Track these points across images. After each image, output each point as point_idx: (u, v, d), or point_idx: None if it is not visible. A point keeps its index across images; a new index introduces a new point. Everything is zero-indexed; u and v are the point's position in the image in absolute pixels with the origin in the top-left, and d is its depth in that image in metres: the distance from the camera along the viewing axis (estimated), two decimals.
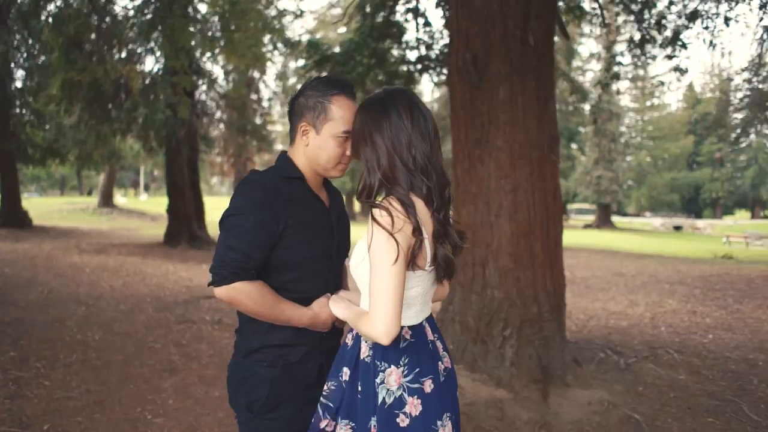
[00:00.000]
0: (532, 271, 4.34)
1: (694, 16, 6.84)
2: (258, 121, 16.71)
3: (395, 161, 1.78)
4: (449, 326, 4.60)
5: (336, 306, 1.94)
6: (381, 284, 1.65)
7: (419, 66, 7.79)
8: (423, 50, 7.71)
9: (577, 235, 30.54)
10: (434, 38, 7.68)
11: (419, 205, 1.77)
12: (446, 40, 8.40)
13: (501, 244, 4.31)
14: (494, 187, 4.28)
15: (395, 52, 7.92)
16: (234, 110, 16.01)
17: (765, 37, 9.90)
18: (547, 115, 4.34)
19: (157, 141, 13.98)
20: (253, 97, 16.40)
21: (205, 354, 5.51)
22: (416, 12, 7.37)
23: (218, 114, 16.73)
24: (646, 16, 7.08)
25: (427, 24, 7.33)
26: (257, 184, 1.85)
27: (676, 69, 6.95)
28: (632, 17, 6.79)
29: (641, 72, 40.89)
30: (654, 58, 7.82)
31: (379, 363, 1.78)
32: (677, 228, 43.61)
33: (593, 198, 40.37)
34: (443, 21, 7.29)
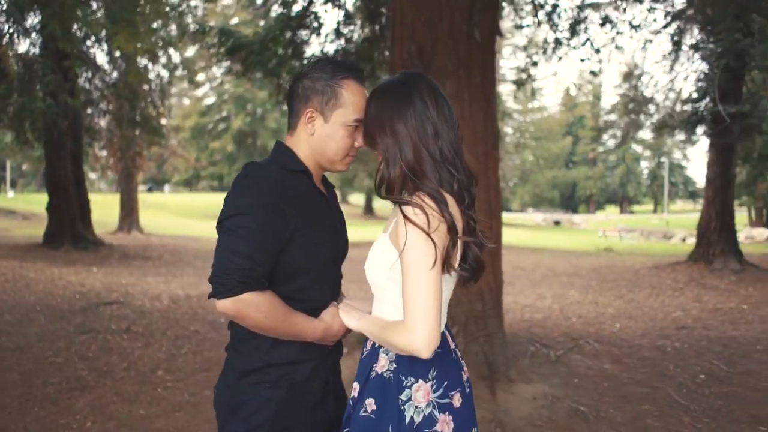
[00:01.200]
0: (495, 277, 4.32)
1: (576, 27, 7.20)
2: (151, 112, 15.64)
3: (421, 152, 1.60)
4: None
5: (348, 316, 1.73)
6: (420, 290, 1.47)
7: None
8: (342, 43, 7.51)
9: None
10: (353, 31, 7.51)
11: (450, 201, 1.60)
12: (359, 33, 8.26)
13: None
14: None
15: (313, 43, 7.65)
16: (122, 100, 14.87)
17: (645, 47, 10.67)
18: (490, 111, 4.32)
19: (34, 132, 12.63)
20: (145, 87, 15.31)
21: (119, 367, 4.98)
22: (336, 3, 7.15)
23: (104, 104, 15.47)
24: (556, 19, 7.35)
25: (348, 17, 7.14)
26: (262, 179, 1.60)
27: (591, 72, 7.27)
28: (545, 18, 7.02)
29: (524, 75, 43.03)
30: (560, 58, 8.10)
31: (404, 378, 1.60)
32: (557, 223, 46.57)
33: None
34: (365, 13, 7.12)
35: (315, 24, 7.30)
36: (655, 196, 60.85)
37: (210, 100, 39.82)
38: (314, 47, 7.70)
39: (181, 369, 4.98)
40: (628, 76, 15.84)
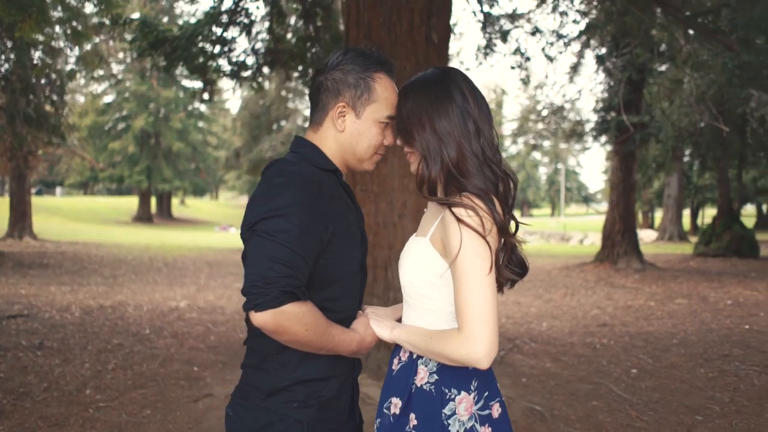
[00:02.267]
0: None
1: (505, 36, 7.46)
2: (48, 108, 14.41)
3: (464, 150, 1.52)
4: None
5: (380, 326, 1.62)
6: (479, 297, 1.39)
7: (269, 59, 7.34)
8: (272, 44, 7.28)
9: None
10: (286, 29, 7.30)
11: (495, 202, 1.54)
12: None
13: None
14: (398, 186, 4.14)
15: (242, 42, 7.37)
16: (16, 95, 13.62)
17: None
18: None
19: None
20: (43, 80, 14.11)
21: (38, 388, 4.50)
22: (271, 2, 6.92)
23: None
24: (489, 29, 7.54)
25: (281, 14, 6.93)
26: (299, 177, 1.46)
27: (521, 80, 7.50)
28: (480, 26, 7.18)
29: None
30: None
31: (447, 390, 1.52)
32: None
33: None
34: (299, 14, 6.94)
35: (245, 21, 7.03)
36: (552, 201, 64.24)
37: (109, 98, 37.54)
38: (244, 44, 7.41)
39: (112, 387, 4.59)
40: (536, 85, 16.60)
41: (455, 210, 1.45)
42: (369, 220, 4.21)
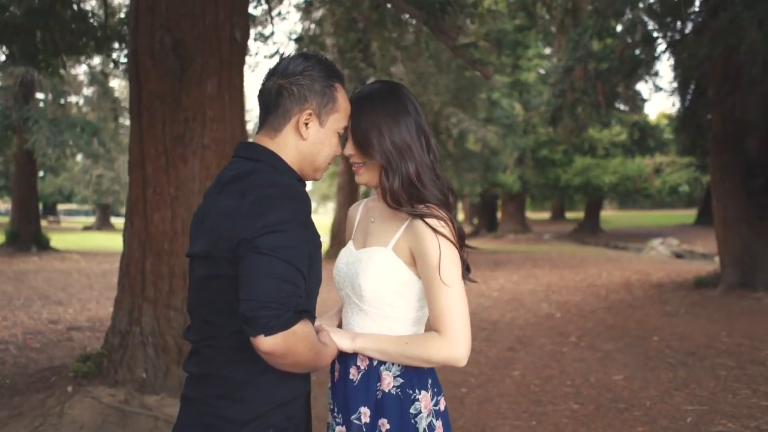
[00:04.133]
0: None
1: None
2: None
3: (421, 162, 1.63)
4: (138, 351, 3.89)
5: (341, 337, 1.61)
6: (458, 302, 1.52)
7: None
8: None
9: (81, 238, 28.51)
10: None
11: None
12: None
13: None
14: (198, 189, 3.88)
15: None
16: None
17: None
18: (243, 115, 4.21)
19: None
20: None
21: None
22: None
23: None
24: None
25: None
26: (291, 189, 1.39)
27: None
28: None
29: None
30: None
31: (411, 391, 1.62)
32: None
33: (94, 198, 38.19)
34: None
35: None
36: None
37: None
38: None
39: None
40: None
41: (430, 221, 1.54)
42: (164, 226, 3.86)
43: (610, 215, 40.47)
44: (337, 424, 1.65)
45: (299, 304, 1.29)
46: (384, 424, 1.57)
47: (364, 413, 1.59)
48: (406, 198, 1.59)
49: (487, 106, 14.87)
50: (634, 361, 5.89)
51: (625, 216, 41.96)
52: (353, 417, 1.60)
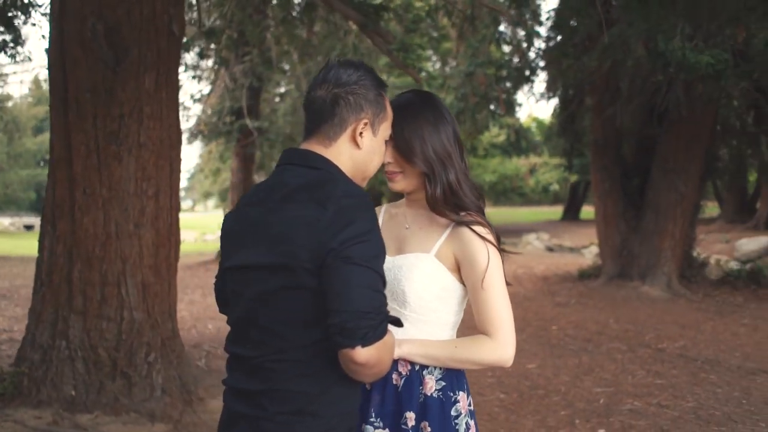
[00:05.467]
0: (168, 283, 3.92)
1: None
2: None
3: (460, 170, 1.69)
4: (65, 366, 3.56)
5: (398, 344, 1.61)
6: (505, 306, 1.61)
7: None
8: None
9: None
10: None
11: None
12: None
13: (142, 256, 3.69)
14: (134, 190, 3.62)
15: None
16: None
17: None
18: (177, 111, 3.99)
19: None
20: None
21: None
22: None
23: None
24: None
25: None
26: (366, 198, 1.39)
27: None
28: None
29: None
30: None
31: (452, 393, 1.67)
32: (28, 227, 41.60)
33: None
34: None
35: None
36: None
37: None
38: None
39: None
40: None
41: (477, 228, 1.60)
42: (95, 229, 3.57)
43: (486, 212, 42.76)
44: (377, 428, 1.66)
45: (387, 312, 1.30)
46: (425, 427, 1.60)
47: (410, 418, 1.62)
48: (447, 205, 1.64)
49: None
50: (541, 350, 6.33)
51: (498, 212, 44.61)
52: (401, 422, 1.62)
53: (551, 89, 11.18)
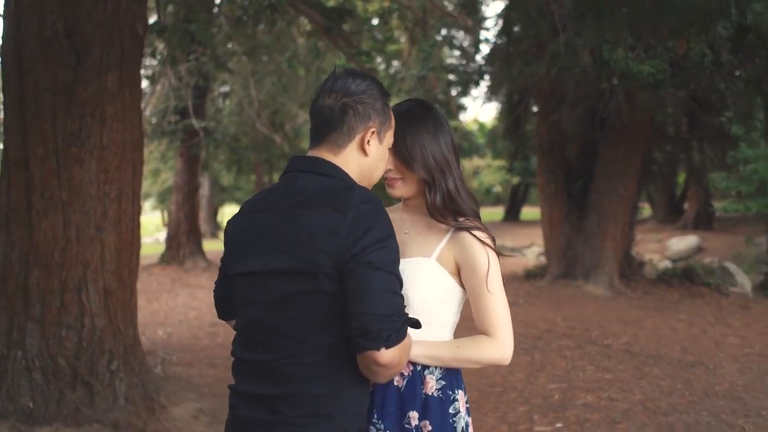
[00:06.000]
0: (130, 288, 3.82)
1: None
2: None
3: (458, 177, 1.76)
4: (21, 377, 3.41)
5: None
6: (504, 307, 1.69)
7: None
8: None
9: None
10: None
11: None
12: None
13: (104, 262, 3.57)
14: (96, 193, 3.51)
15: None
16: None
17: None
18: (141, 115, 3.89)
19: None
20: None
21: None
22: None
23: None
24: None
25: None
26: (381, 204, 1.44)
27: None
28: None
29: None
30: None
31: (451, 392, 1.74)
32: None
33: None
34: None
35: None
36: None
37: None
38: None
39: None
40: None
41: (477, 233, 1.67)
42: (54, 233, 3.43)
43: None
44: (378, 429, 1.70)
45: (407, 315, 1.35)
46: (426, 425, 1.65)
47: (413, 417, 1.67)
48: (446, 211, 1.70)
49: None
50: None
51: None
52: (404, 422, 1.67)
53: (495, 93, 11.49)
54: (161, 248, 14.65)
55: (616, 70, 6.41)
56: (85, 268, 3.54)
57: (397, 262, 1.38)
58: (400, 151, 1.69)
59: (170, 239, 13.93)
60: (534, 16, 7.14)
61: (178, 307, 9.21)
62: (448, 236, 1.71)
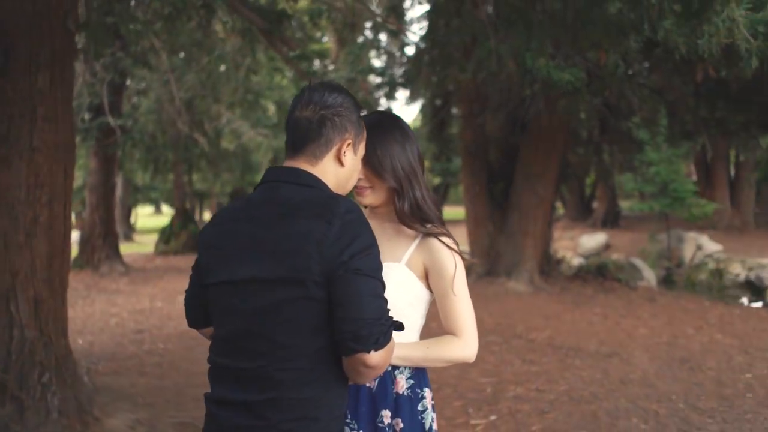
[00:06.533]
0: (61, 297, 3.65)
1: None
2: None
3: (424, 185, 1.85)
4: None
5: None
6: (470, 308, 1.80)
7: None
8: None
9: None
10: None
11: None
12: None
13: (35, 270, 3.39)
14: (25, 197, 3.33)
15: None
16: None
17: None
18: (72, 116, 3.72)
19: None
20: None
21: None
22: None
23: None
24: None
25: None
26: (362, 213, 1.51)
27: None
28: None
29: None
30: None
31: (419, 390, 1.83)
32: None
33: None
34: None
35: None
36: None
37: None
38: None
39: None
40: None
41: (445, 240, 1.77)
42: None
43: None
44: (353, 430, 1.76)
45: (392, 318, 1.43)
46: (398, 423, 1.73)
47: (386, 416, 1.74)
48: (414, 218, 1.78)
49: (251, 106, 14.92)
50: None
51: None
52: (377, 420, 1.74)
53: (415, 98, 11.75)
54: (73, 252, 13.90)
55: (538, 77, 6.75)
56: (14, 277, 3.36)
57: (381, 268, 1.45)
58: (371, 161, 1.75)
59: (84, 242, 13.25)
60: (455, 24, 7.39)
61: (96, 314, 8.78)
62: (416, 242, 1.79)
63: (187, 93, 12.33)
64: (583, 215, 23.34)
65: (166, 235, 18.20)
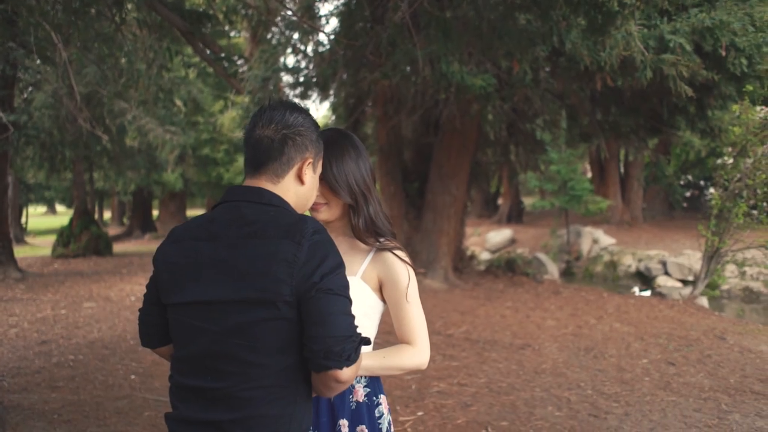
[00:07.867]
0: None
1: None
2: None
3: (377, 200, 1.94)
4: None
5: None
6: (422, 318, 1.90)
7: None
8: None
9: None
10: None
11: None
12: None
13: None
14: None
15: None
16: None
17: None
18: None
19: None
20: None
21: None
22: None
23: None
24: None
25: None
26: (327, 233, 1.55)
27: None
28: None
29: None
30: None
31: (375, 398, 1.92)
32: None
33: None
34: None
35: None
36: None
37: None
38: None
39: None
40: None
41: (398, 253, 1.86)
42: None
43: None
44: None
45: (360, 334, 1.49)
46: (363, 430, 1.82)
47: (343, 425, 1.81)
48: (368, 233, 1.86)
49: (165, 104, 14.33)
50: None
51: None
52: (336, 430, 1.80)
53: (324, 98, 11.76)
54: None
55: (452, 81, 7.01)
56: None
57: (348, 286, 1.51)
58: (327, 178, 1.81)
59: None
60: (370, 28, 7.51)
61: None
62: (370, 256, 1.87)
63: (86, 87, 11.66)
64: (488, 212, 24.26)
65: (64, 237, 17.09)
